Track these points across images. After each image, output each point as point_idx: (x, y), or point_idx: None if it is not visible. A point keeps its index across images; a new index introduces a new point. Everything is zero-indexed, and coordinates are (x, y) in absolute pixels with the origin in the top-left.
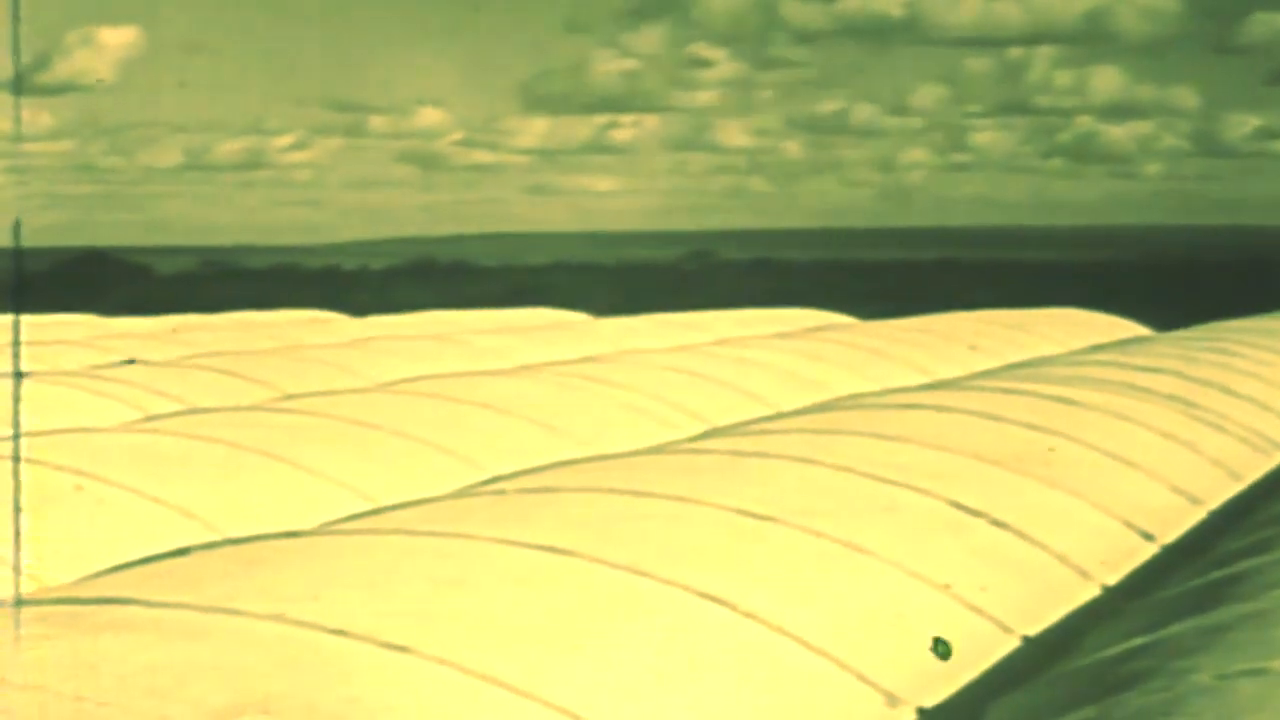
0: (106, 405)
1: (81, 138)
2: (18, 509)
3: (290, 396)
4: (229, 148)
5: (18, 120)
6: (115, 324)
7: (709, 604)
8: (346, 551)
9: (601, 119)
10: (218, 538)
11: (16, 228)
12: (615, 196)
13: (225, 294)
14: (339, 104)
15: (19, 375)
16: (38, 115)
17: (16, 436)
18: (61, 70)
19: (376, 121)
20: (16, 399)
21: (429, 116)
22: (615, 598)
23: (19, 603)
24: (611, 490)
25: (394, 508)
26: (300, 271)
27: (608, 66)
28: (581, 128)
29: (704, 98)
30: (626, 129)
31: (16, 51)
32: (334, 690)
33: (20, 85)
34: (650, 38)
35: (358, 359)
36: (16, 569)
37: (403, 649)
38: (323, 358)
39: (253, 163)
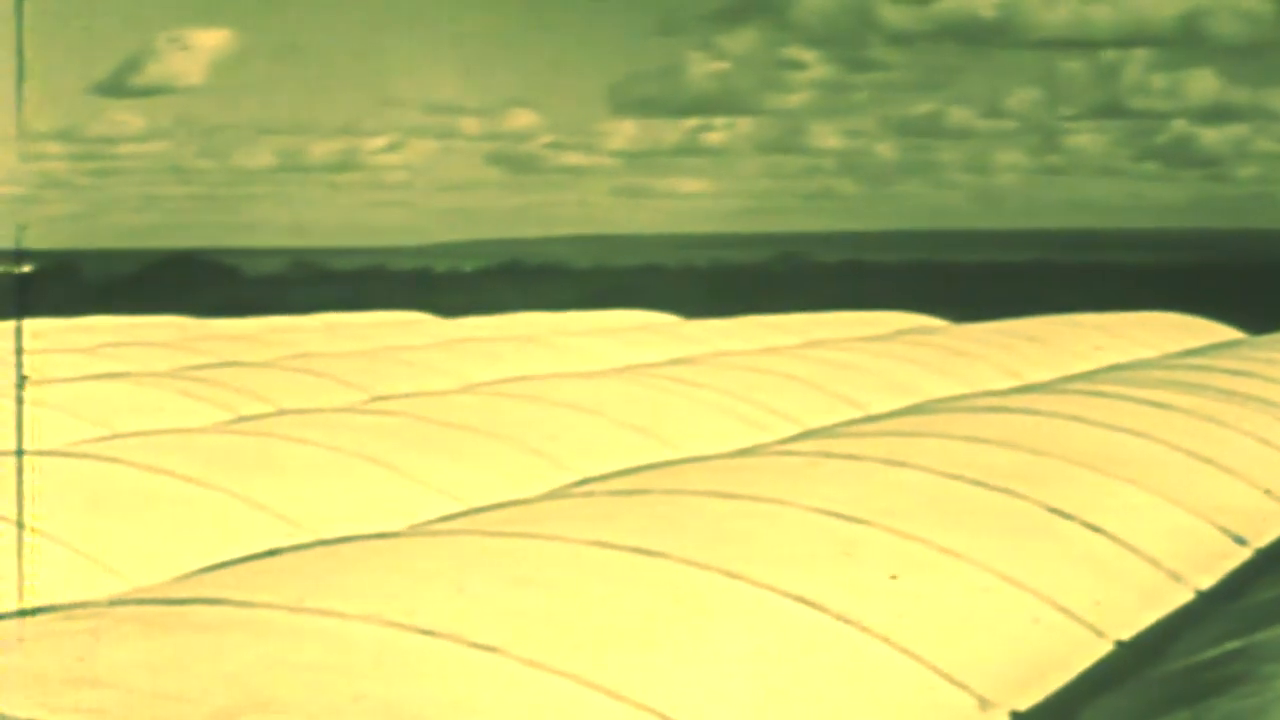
0: (197, 406)
1: (174, 140)
2: (20, 525)
3: (380, 398)
4: (321, 149)
5: (18, 119)
6: (205, 325)
7: (800, 606)
8: (436, 552)
9: (693, 121)
10: (308, 538)
11: (19, 232)
12: (705, 198)
13: (315, 296)
14: (431, 106)
15: (21, 380)
16: (129, 117)
17: (20, 452)
18: (153, 72)
19: (468, 123)
20: (20, 403)
21: (520, 118)
22: (705, 599)
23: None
24: (701, 492)
25: (484, 509)
26: (390, 273)
27: (700, 69)
28: (672, 130)
29: (796, 100)
30: (718, 131)
31: (19, 52)
32: (423, 690)
33: (21, 84)
34: (743, 40)
35: (448, 360)
36: (19, 582)
37: (492, 649)
38: (413, 359)
39: (345, 164)
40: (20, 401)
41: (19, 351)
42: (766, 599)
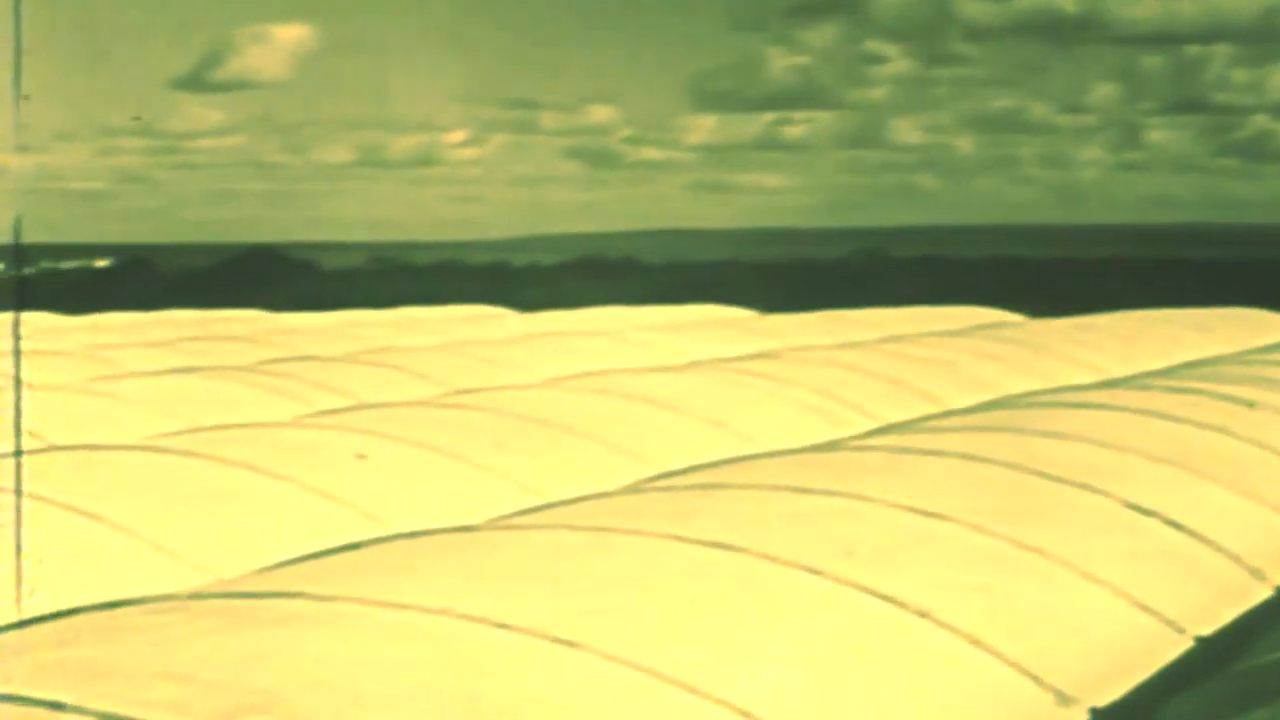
0: (276, 401)
1: (252, 134)
2: (19, 531)
3: (459, 392)
4: (400, 144)
5: (17, 119)
6: (284, 319)
7: (879, 601)
8: (515, 546)
9: (772, 116)
10: (387, 532)
11: (17, 225)
12: (784, 193)
13: (393, 290)
14: (510, 100)
15: (20, 382)
16: (208, 112)
17: (19, 453)
18: (233, 67)
19: (547, 118)
20: (18, 410)
21: (599, 113)
22: (785, 595)
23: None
24: (781, 487)
25: (562, 503)
26: (468, 267)
27: (780, 63)
28: (751, 124)
29: (876, 94)
30: (797, 126)
31: (18, 51)
32: (504, 685)
33: (19, 84)
34: (823, 34)
35: (526, 355)
36: (17, 587)
37: (572, 644)
38: (491, 354)
39: (424, 159)
40: (19, 410)
41: (17, 354)
42: (845, 594)
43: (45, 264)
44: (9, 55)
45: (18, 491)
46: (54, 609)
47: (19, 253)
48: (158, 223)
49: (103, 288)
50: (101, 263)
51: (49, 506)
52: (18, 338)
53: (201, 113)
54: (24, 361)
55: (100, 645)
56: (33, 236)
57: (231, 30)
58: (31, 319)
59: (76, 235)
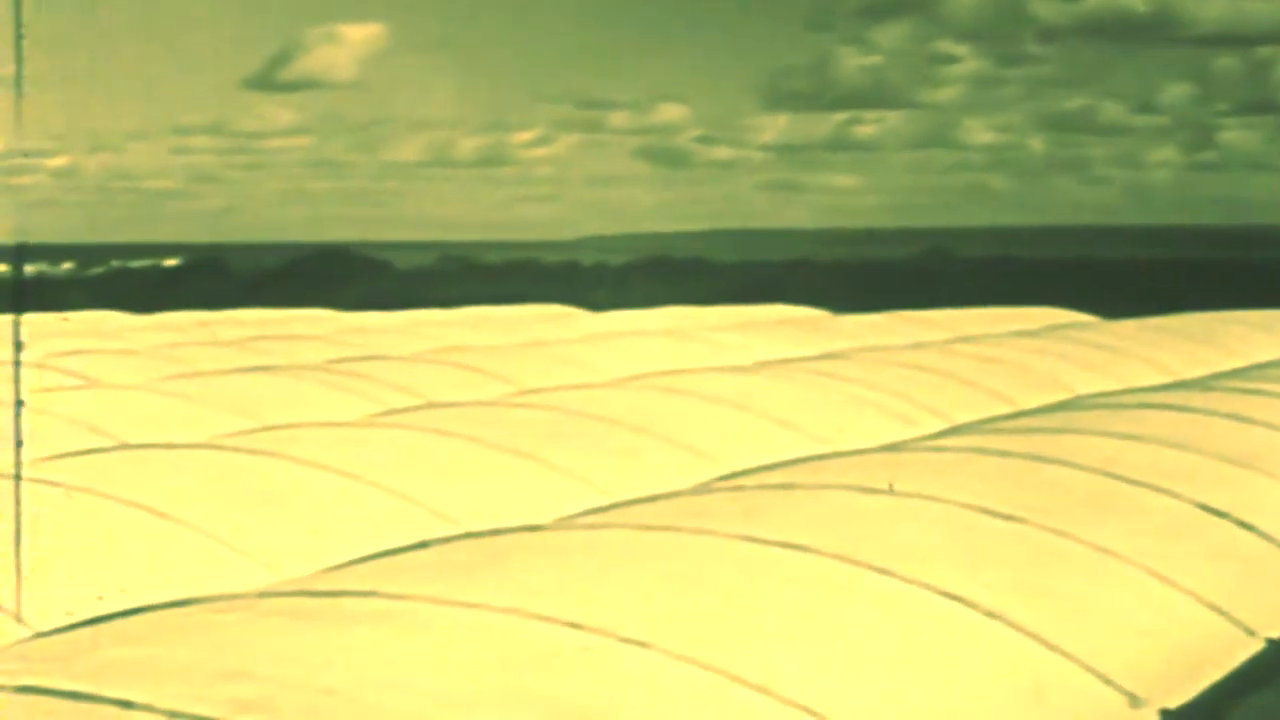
0: (346, 400)
1: (322, 133)
2: (17, 539)
3: (529, 391)
4: (470, 144)
5: (17, 118)
6: (353, 319)
7: (949, 602)
8: (584, 546)
9: (843, 115)
10: (457, 531)
11: (17, 243)
12: (855, 193)
13: (463, 289)
14: (580, 100)
15: (18, 376)
16: (279, 111)
17: (18, 461)
18: (303, 67)
19: (617, 118)
20: (17, 412)
21: (669, 113)
22: (854, 594)
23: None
24: (851, 487)
25: (632, 502)
26: (538, 267)
27: (851, 63)
28: (822, 124)
29: (947, 94)
30: (868, 125)
31: (18, 53)
32: (574, 684)
33: (20, 83)
34: (894, 34)
35: (596, 354)
36: (16, 602)
37: (641, 644)
38: (561, 353)
39: (494, 159)
40: (18, 415)
41: (17, 362)
42: (916, 594)
43: (115, 263)
44: (12, 55)
45: (16, 506)
46: (123, 607)
47: (20, 254)
48: (228, 222)
49: (173, 287)
50: (171, 262)
51: (118, 505)
52: (18, 343)
53: (272, 112)
54: (94, 360)
55: (169, 643)
56: (103, 236)
57: (302, 30)
58: (101, 318)
59: (147, 234)
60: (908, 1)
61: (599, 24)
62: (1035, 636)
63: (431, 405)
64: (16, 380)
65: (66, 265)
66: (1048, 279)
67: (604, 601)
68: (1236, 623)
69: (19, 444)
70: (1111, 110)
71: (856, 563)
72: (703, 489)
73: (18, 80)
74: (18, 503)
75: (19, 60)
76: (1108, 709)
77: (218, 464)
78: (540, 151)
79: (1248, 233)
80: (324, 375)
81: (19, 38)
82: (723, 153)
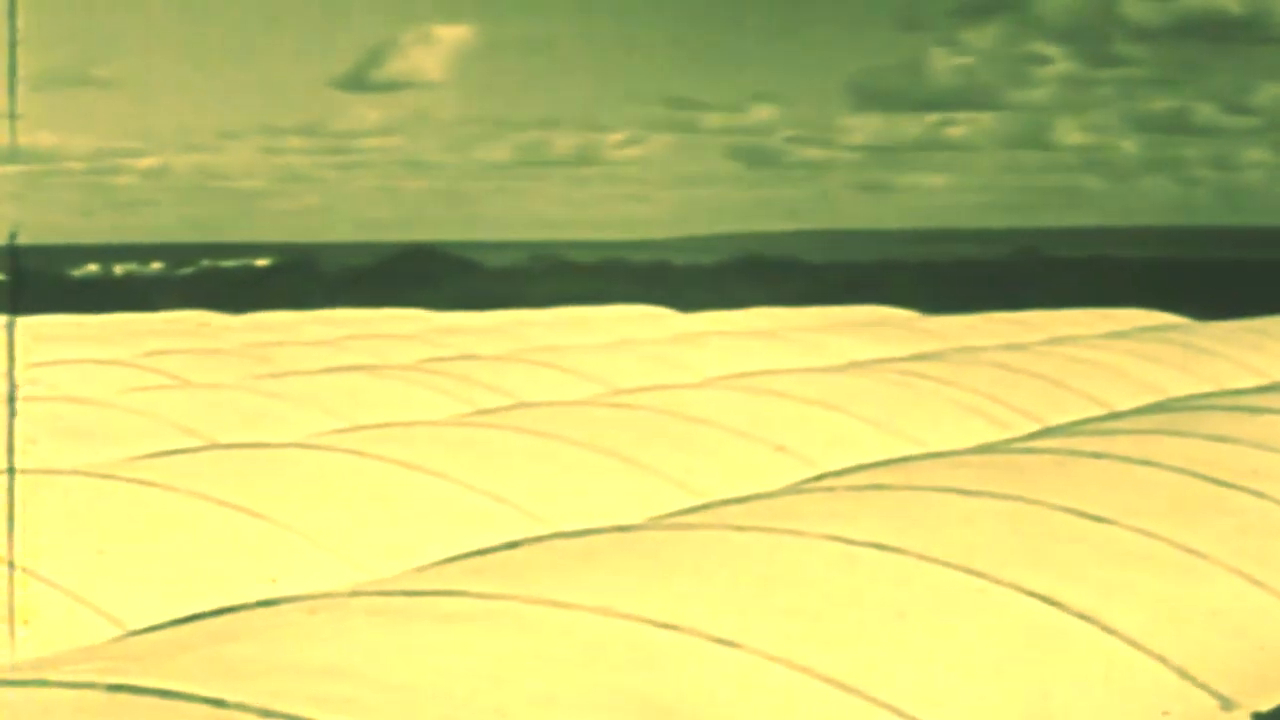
0: (437, 399)
1: (413, 133)
2: (11, 565)
3: (619, 391)
4: (561, 144)
5: (12, 125)
6: (444, 318)
7: (1041, 604)
8: (675, 546)
9: (934, 116)
10: (547, 531)
11: (13, 238)
12: (946, 193)
13: (554, 289)
14: (671, 100)
15: (14, 389)
16: (369, 111)
17: (10, 466)
18: (395, 67)
19: (709, 118)
20: (12, 415)
21: (761, 113)
22: (945, 596)
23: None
24: (942, 488)
25: (722, 503)
26: (629, 267)
27: (943, 63)
28: (913, 125)
29: (1039, 95)
30: (960, 126)
31: (12, 55)
32: (665, 683)
33: (14, 82)
34: (986, 34)
35: (687, 354)
36: (10, 627)
37: (731, 644)
38: (652, 353)
39: (584, 159)
40: (13, 414)
41: (10, 363)
42: (1007, 596)
43: (206, 262)
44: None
45: (10, 520)
46: (215, 606)
47: (15, 255)
48: (319, 221)
49: (264, 286)
50: (262, 261)
51: (209, 504)
52: (12, 344)
53: (364, 112)
54: (185, 360)
55: (261, 642)
56: (194, 236)
57: (394, 31)
58: (192, 317)
59: (238, 234)
60: (1000, 2)
61: (691, 24)
62: (1126, 638)
63: (522, 405)
64: (11, 382)
65: (156, 265)
66: (1139, 280)
67: (694, 601)
68: None
69: (11, 448)
70: (1204, 111)
71: (947, 564)
72: (793, 490)
73: (11, 85)
74: (12, 505)
75: (12, 63)
76: (1199, 711)
77: (308, 463)
78: (631, 151)
79: None
80: (415, 375)
81: (13, 43)
82: (814, 153)
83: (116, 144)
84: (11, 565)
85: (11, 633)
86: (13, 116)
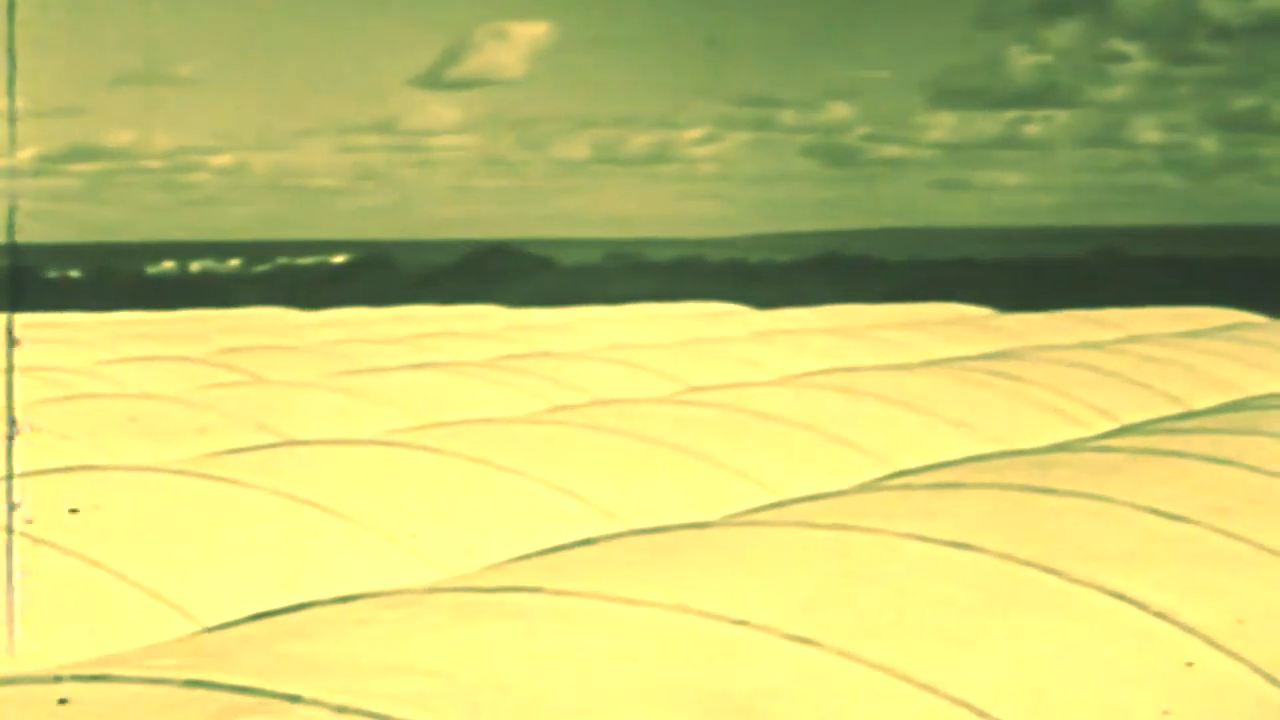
0: (513, 396)
1: (490, 131)
2: (11, 551)
3: (695, 389)
4: (637, 141)
5: (12, 127)
6: (520, 315)
7: (1120, 603)
8: (750, 543)
9: (1012, 114)
10: (622, 528)
11: (10, 219)
12: (1023, 192)
13: (629, 286)
14: (747, 97)
15: (12, 379)
16: (446, 109)
17: (9, 471)
18: (471, 65)
19: (785, 115)
20: (10, 406)
21: (837, 110)
22: (1022, 594)
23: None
24: (1020, 487)
25: (798, 500)
26: (705, 264)
27: (1021, 61)
28: (991, 123)
29: (1117, 93)
30: (1037, 124)
31: (12, 61)
32: (740, 681)
33: (12, 85)
34: (1065, 32)
35: (762, 352)
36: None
37: (807, 641)
38: (727, 351)
39: (661, 156)
40: (11, 413)
41: (9, 365)
42: (1085, 595)
43: (282, 260)
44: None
45: (9, 529)
46: (290, 602)
47: (14, 251)
48: (395, 219)
49: (340, 283)
50: (339, 259)
51: (285, 500)
52: (10, 344)
53: (440, 110)
54: (261, 356)
55: (336, 638)
56: (270, 233)
57: (470, 28)
58: (269, 314)
59: (314, 231)
60: (1078, 0)
61: (768, 22)
62: (1205, 638)
63: (597, 402)
64: (9, 384)
65: (233, 262)
66: (1218, 278)
67: (770, 599)
68: None
69: (11, 443)
70: None
71: (1024, 562)
72: (870, 487)
73: (10, 84)
74: (11, 518)
75: (11, 65)
76: (1277, 712)
77: (384, 460)
78: (708, 149)
79: None
80: (490, 372)
81: (11, 49)
82: (891, 150)
83: (193, 142)
84: (11, 567)
85: (11, 632)
86: (12, 120)
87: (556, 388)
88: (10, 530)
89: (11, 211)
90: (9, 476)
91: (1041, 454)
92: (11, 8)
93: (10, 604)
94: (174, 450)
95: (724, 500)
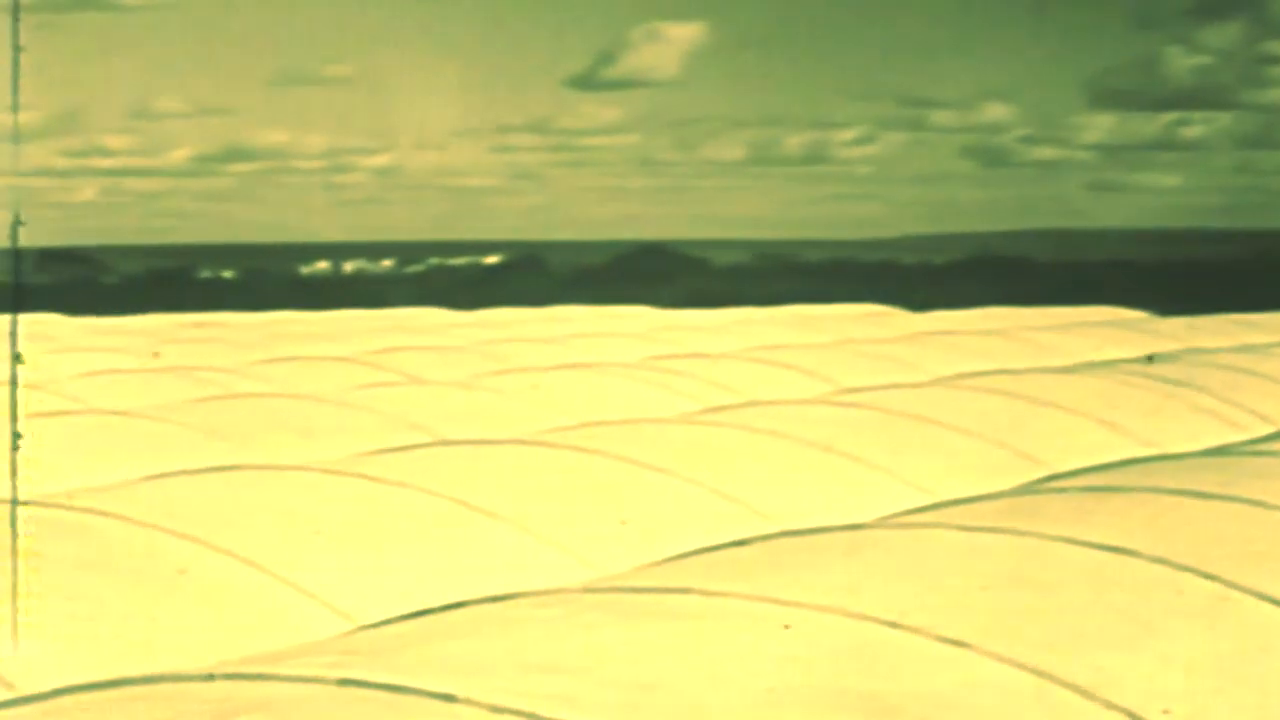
0: (664, 396)
1: (644, 132)
2: (15, 555)
3: (848, 390)
4: (792, 142)
5: (14, 127)
6: (672, 316)
7: (1278, 609)
8: (904, 545)
9: (1170, 116)
10: (775, 529)
11: (14, 227)
12: (1180, 193)
13: (782, 287)
14: (903, 98)
15: (16, 380)
16: (601, 110)
17: (14, 468)
18: (626, 65)
19: (940, 116)
20: (13, 411)
21: (994, 111)
22: (1181, 600)
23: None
24: (1176, 491)
25: (952, 503)
26: (858, 266)
27: (1179, 63)
28: (1148, 124)
29: (1276, 95)
30: (1195, 126)
31: (14, 71)
32: (892, 683)
33: (16, 87)
34: (1223, 34)
35: (916, 353)
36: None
37: (960, 644)
38: (880, 352)
39: (815, 157)
40: (14, 418)
41: (13, 371)
42: (1244, 601)
43: (435, 260)
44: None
45: (13, 532)
46: (444, 601)
47: (17, 257)
48: (548, 219)
49: (493, 284)
50: (492, 259)
51: (438, 500)
52: (14, 341)
53: (594, 111)
54: (414, 356)
55: (490, 637)
56: (423, 233)
57: (625, 29)
58: (420, 314)
59: (467, 232)
60: (1236, 1)
61: (923, 22)
62: None
63: (751, 403)
64: (13, 384)
65: (386, 262)
66: None
67: (923, 601)
68: None
69: (16, 445)
70: None
71: (1183, 568)
72: (1024, 490)
73: (13, 89)
74: (14, 523)
75: (15, 76)
76: None
77: (536, 460)
78: (862, 150)
79: None
80: (642, 372)
81: (16, 59)
82: (1047, 152)
83: (348, 142)
84: (14, 565)
85: (13, 631)
86: (15, 120)
87: (708, 388)
88: (15, 534)
89: (15, 225)
90: (14, 485)
91: (1199, 458)
92: (15, 8)
93: (13, 611)
94: (326, 449)
95: (877, 502)
